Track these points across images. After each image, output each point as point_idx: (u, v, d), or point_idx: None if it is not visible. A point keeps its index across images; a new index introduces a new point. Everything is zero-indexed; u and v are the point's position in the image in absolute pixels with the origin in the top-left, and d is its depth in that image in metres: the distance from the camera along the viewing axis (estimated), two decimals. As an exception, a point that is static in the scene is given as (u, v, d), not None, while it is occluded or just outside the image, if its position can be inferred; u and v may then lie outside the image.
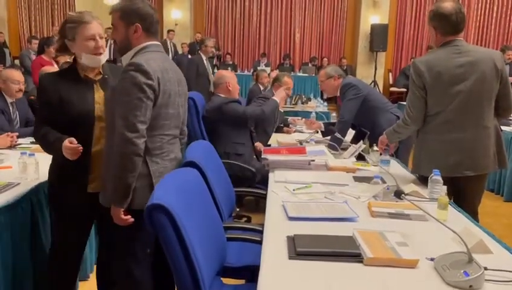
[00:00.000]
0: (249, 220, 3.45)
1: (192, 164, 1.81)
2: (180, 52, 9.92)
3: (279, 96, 3.71)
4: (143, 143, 1.64)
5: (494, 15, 11.10)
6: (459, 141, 2.25)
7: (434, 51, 2.38)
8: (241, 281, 2.02)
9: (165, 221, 1.22)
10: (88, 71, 1.90)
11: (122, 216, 1.68)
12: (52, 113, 1.84)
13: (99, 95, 1.89)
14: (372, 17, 10.72)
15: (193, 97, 3.51)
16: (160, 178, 1.56)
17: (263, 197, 3.35)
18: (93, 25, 1.84)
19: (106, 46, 1.94)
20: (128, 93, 1.62)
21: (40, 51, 5.91)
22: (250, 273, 1.93)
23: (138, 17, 1.75)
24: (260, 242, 1.88)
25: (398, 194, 1.69)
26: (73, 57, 1.94)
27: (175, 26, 10.56)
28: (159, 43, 1.83)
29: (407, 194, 1.82)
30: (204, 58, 6.23)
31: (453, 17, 2.26)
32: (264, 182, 3.04)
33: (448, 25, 2.28)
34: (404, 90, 9.33)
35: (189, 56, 9.39)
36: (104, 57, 1.90)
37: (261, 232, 1.97)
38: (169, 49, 9.89)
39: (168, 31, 10.12)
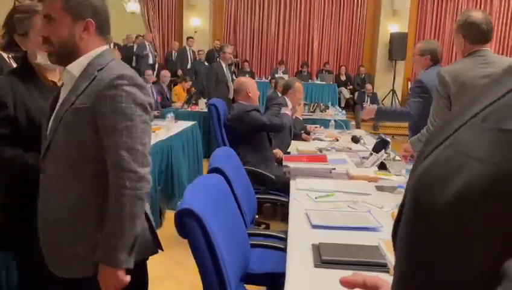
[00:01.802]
0: (267, 227, 3.46)
1: (217, 170, 1.83)
2: (198, 59, 10.04)
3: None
4: None
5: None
6: (484, 152, 2.23)
7: (460, 61, 2.37)
8: (262, 288, 2.03)
9: (195, 226, 1.24)
10: (47, 75, 1.51)
11: (124, 277, 1.26)
12: (15, 133, 1.46)
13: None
14: (391, 25, 10.67)
15: (215, 104, 3.55)
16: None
17: (284, 204, 3.37)
18: None
19: None
20: (131, 116, 1.24)
21: None
22: (271, 280, 1.94)
23: (91, 11, 1.29)
24: (283, 249, 1.90)
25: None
26: (23, 55, 1.56)
27: (194, 34, 10.70)
28: (109, 48, 1.44)
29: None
30: (223, 65, 6.29)
31: (483, 26, 2.26)
32: (283, 189, 3.05)
33: (478, 34, 2.28)
34: (423, 99, 9.24)
35: (206, 63, 9.51)
36: None
37: (283, 239, 1.99)
38: (189, 56, 10.02)
39: (188, 38, 10.26)
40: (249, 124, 3.40)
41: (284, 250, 1.86)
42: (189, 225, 1.24)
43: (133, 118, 1.24)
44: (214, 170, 1.82)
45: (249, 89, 3.56)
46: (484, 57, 2.27)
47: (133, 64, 9.78)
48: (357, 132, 4.65)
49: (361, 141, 3.29)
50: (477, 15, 2.29)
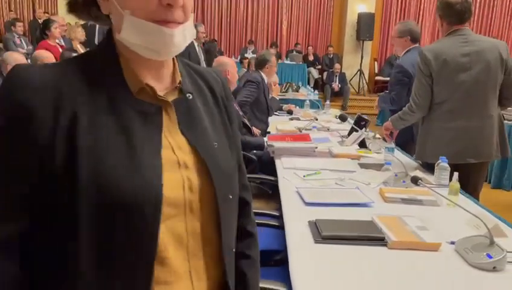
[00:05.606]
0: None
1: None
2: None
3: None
4: None
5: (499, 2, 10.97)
6: (463, 129, 2.31)
7: (440, 40, 2.43)
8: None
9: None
10: (143, 74, 0.73)
11: None
12: (30, 177, 0.66)
13: (175, 140, 0.75)
14: (359, 5, 10.75)
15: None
16: None
17: (261, 183, 3.37)
18: None
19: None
20: None
21: (42, 36, 5.37)
22: (263, 257, 1.96)
23: None
24: (277, 227, 1.92)
25: (415, 180, 1.73)
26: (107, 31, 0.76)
27: (161, 11, 10.36)
28: None
29: (418, 180, 1.86)
30: (196, 44, 6.17)
31: (458, 6, 2.31)
32: (263, 170, 3.05)
33: (453, 14, 2.33)
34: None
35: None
36: (184, 38, 0.74)
37: (275, 217, 2.00)
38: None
39: (155, 16, 9.92)
40: None
41: (278, 228, 1.87)
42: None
43: None
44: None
45: (228, 71, 3.33)
46: (464, 36, 2.32)
47: (96, 43, 9.39)
48: (331, 112, 4.71)
49: (348, 120, 3.33)
50: None
